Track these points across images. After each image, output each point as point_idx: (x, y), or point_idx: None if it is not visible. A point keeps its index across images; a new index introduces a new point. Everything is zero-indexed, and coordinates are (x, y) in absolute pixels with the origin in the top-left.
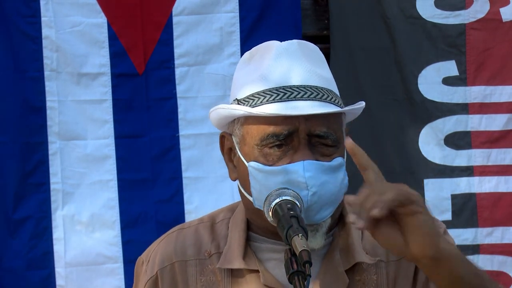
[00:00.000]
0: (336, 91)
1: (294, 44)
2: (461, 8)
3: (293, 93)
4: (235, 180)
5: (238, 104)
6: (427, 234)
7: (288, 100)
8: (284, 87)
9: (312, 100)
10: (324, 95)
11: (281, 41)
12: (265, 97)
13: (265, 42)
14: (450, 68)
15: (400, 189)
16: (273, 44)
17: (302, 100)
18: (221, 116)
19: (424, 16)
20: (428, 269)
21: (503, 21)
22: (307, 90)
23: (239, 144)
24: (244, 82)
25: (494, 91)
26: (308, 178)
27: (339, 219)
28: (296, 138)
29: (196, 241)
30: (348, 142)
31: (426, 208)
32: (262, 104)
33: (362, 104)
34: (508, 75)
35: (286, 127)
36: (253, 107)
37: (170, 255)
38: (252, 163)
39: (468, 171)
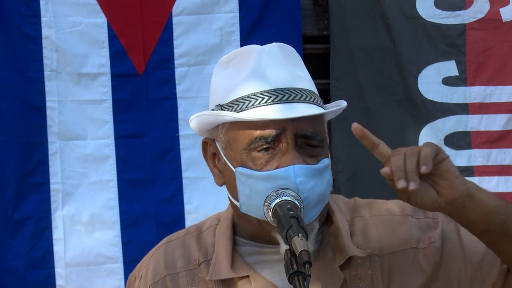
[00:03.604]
0: (316, 91)
1: (274, 47)
2: (461, 8)
3: (278, 96)
4: (221, 186)
5: (222, 109)
6: (456, 176)
7: (275, 103)
8: (269, 91)
9: (298, 102)
10: (307, 96)
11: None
12: (250, 101)
13: (243, 47)
14: (450, 68)
15: (425, 144)
16: (253, 48)
17: (288, 102)
18: (205, 123)
19: (424, 16)
20: (463, 207)
21: (503, 21)
22: (292, 92)
23: (224, 149)
24: (225, 87)
25: (494, 91)
26: (300, 184)
27: (326, 217)
28: (283, 139)
29: (184, 252)
30: (355, 126)
31: (447, 155)
32: (248, 109)
33: (343, 104)
34: (508, 75)
35: (274, 129)
36: (239, 111)
37: (161, 269)
38: (240, 169)
39: (468, 171)
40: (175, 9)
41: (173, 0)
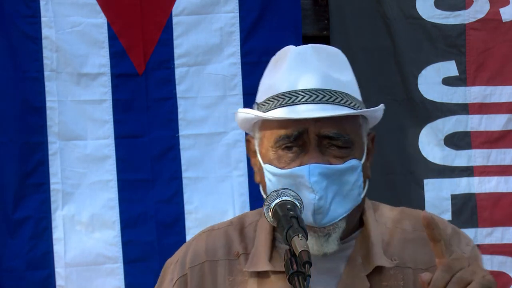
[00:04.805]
0: (355, 94)
1: (308, 48)
2: (461, 8)
3: (298, 97)
4: (259, 183)
5: (257, 108)
6: None
7: (294, 104)
8: (290, 92)
9: (321, 103)
10: (337, 98)
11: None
12: (274, 102)
13: (285, 47)
14: (450, 68)
15: (482, 279)
16: (289, 49)
17: (308, 103)
18: (240, 119)
19: (424, 16)
20: None
21: (503, 21)
22: (319, 93)
23: (258, 147)
24: (263, 87)
25: (494, 91)
26: (313, 183)
27: (359, 222)
28: (306, 139)
29: (226, 242)
30: (425, 215)
31: None
32: (272, 109)
33: (378, 107)
34: (508, 75)
35: (296, 129)
36: (266, 111)
37: (201, 255)
38: (267, 166)
39: (468, 171)
40: (175, 9)
41: (173, 0)
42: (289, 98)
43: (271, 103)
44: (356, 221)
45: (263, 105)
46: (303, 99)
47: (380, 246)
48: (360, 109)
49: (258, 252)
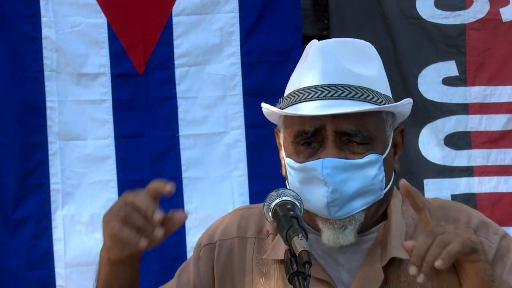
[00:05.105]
0: (379, 89)
1: (330, 43)
2: (461, 8)
3: (317, 93)
4: (285, 176)
5: (282, 101)
6: (483, 281)
7: (311, 100)
8: (310, 88)
9: (344, 99)
10: (356, 93)
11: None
12: (293, 98)
13: (312, 41)
14: (450, 68)
15: (464, 239)
16: (312, 44)
17: (333, 99)
18: (267, 115)
19: (424, 16)
20: None
21: (503, 21)
22: (338, 88)
23: (282, 140)
24: (290, 81)
25: (494, 91)
26: (326, 176)
27: (383, 216)
28: (324, 135)
29: (258, 221)
30: (402, 184)
31: (486, 256)
32: (291, 105)
33: (400, 102)
34: (508, 75)
35: (313, 125)
36: (287, 106)
37: (233, 230)
38: (287, 159)
39: (468, 171)
40: (175, 9)
41: (173, 0)
42: (308, 93)
43: (291, 98)
44: (379, 215)
45: (286, 100)
46: (322, 95)
47: (402, 239)
48: (383, 104)
49: (280, 240)
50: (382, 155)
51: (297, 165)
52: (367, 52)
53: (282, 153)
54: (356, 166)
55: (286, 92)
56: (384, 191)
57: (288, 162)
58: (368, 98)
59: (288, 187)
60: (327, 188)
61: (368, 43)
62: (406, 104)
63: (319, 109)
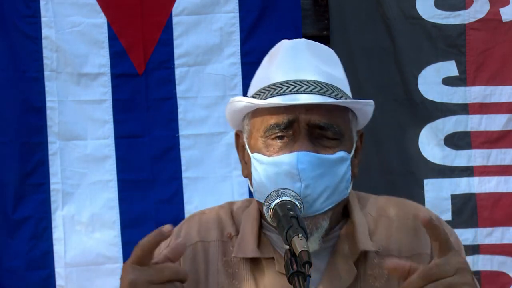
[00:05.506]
0: (345, 89)
1: (301, 42)
2: (461, 8)
3: (289, 87)
4: (246, 177)
5: (253, 97)
6: None
7: (287, 94)
8: (282, 82)
9: (313, 94)
10: (328, 90)
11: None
12: (266, 92)
13: (280, 41)
14: (450, 68)
15: (468, 280)
16: (283, 42)
17: (301, 93)
18: (230, 112)
19: (424, 16)
20: None
21: (503, 21)
22: (304, 84)
23: (247, 139)
24: (255, 80)
25: (494, 91)
26: (301, 170)
27: (343, 213)
28: (297, 128)
29: (218, 224)
30: (424, 219)
31: (473, 279)
32: (265, 98)
33: (369, 100)
34: (508, 75)
35: (286, 117)
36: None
37: (193, 236)
38: (255, 154)
39: (468, 171)
40: (175, 9)
41: (173, 0)
42: (280, 88)
43: (264, 93)
44: (339, 214)
45: (255, 96)
46: (295, 89)
47: (366, 234)
48: (341, 100)
49: (246, 238)
50: (350, 154)
51: (267, 159)
52: (333, 57)
53: (246, 152)
54: (329, 163)
55: (255, 89)
56: (348, 191)
57: (256, 157)
58: (338, 96)
59: (251, 188)
60: (301, 184)
61: (332, 50)
62: (371, 105)
63: (293, 102)
